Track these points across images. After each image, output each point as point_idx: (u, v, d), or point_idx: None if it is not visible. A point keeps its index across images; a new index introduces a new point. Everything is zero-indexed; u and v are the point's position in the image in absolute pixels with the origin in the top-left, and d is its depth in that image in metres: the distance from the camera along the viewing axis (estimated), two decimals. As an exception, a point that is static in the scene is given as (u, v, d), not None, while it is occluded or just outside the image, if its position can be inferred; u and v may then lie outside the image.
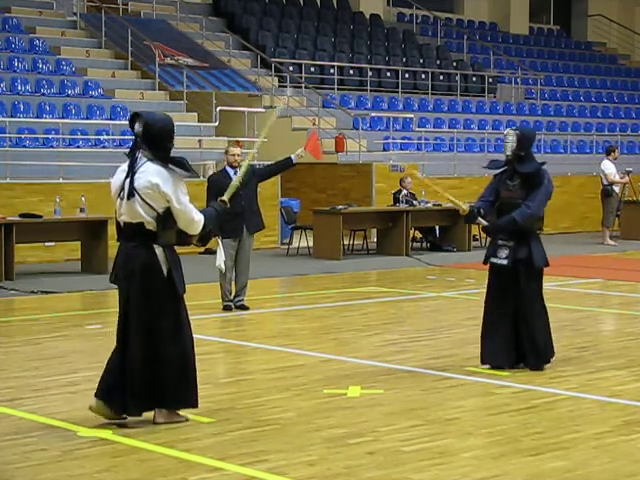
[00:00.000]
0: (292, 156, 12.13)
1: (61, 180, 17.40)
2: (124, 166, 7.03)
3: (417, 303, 13.28)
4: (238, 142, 21.00)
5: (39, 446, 6.46)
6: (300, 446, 6.50)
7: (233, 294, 12.34)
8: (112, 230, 15.87)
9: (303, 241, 18.58)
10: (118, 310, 7.04)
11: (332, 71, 25.61)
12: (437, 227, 20.00)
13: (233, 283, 12.34)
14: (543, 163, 9.00)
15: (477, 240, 20.30)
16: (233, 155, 12.25)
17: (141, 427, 6.88)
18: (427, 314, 12.49)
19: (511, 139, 8.82)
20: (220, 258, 10.95)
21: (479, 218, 8.97)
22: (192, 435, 6.72)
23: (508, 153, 8.86)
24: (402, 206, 18.89)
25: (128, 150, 7.08)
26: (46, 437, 6.67)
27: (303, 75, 24.94)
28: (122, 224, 7.03)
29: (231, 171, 12.19)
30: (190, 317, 7.13)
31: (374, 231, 19.78)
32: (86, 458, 6.23)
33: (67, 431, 6.81)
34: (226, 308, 12.26)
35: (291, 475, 5.92)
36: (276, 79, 24.56)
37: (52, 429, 6.87)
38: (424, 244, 20.05)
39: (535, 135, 9.28)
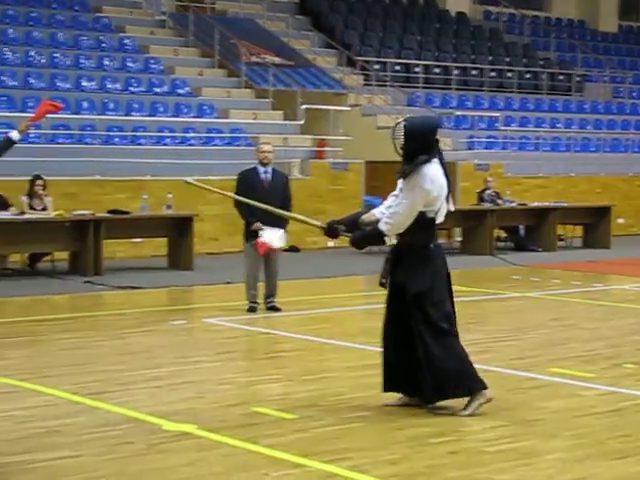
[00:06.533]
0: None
1: (148, 177, 17.62)
2: (439, 168, 7.23)
3: (501, 303, 13.17)
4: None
5: (125, 439, 6.54)
6: (383, 444, 6.50)
7: (261, 296, 11.90)
8: (198, 227, 16.16)
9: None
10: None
11: (417, 69, 25.54)
12: (521, 227, 19.82)
13: (261, 285, 11.86)
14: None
15: (563, 240, 20.08)
16: (264, 152, 11.60)
17: (225, 422, 6.93)
18: (511, 314, 12.38)
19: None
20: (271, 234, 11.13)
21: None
22: (275, 431, 6.76)
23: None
24: (486, 205, 18.78)
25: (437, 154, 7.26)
26: (132, 430, 6.75)
27: (388, 73, 24.91)
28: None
29: (261, 169, 11.55)
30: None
31: (458, 230, 19.67)
32: (170, 452, 6.29)
33: (152, 425, 6.89)
34: (251, 309, 11.76)
35: (373, 473, 5.92)
36: (361, 77, 24.56)
37: (137, 422, 6.95)
38: (508, 243, 19.88)
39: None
